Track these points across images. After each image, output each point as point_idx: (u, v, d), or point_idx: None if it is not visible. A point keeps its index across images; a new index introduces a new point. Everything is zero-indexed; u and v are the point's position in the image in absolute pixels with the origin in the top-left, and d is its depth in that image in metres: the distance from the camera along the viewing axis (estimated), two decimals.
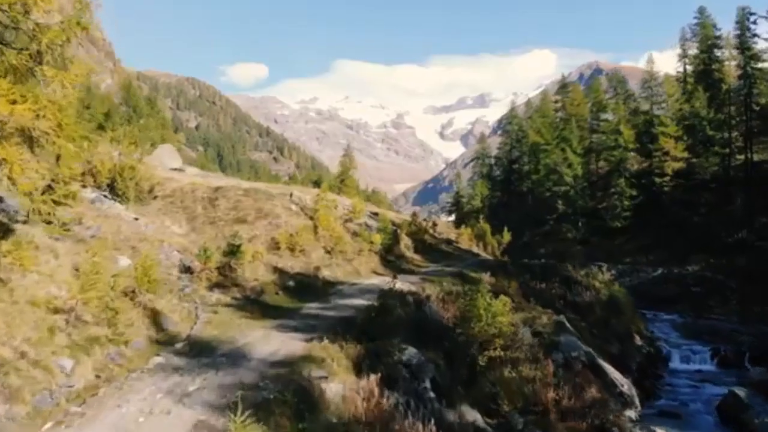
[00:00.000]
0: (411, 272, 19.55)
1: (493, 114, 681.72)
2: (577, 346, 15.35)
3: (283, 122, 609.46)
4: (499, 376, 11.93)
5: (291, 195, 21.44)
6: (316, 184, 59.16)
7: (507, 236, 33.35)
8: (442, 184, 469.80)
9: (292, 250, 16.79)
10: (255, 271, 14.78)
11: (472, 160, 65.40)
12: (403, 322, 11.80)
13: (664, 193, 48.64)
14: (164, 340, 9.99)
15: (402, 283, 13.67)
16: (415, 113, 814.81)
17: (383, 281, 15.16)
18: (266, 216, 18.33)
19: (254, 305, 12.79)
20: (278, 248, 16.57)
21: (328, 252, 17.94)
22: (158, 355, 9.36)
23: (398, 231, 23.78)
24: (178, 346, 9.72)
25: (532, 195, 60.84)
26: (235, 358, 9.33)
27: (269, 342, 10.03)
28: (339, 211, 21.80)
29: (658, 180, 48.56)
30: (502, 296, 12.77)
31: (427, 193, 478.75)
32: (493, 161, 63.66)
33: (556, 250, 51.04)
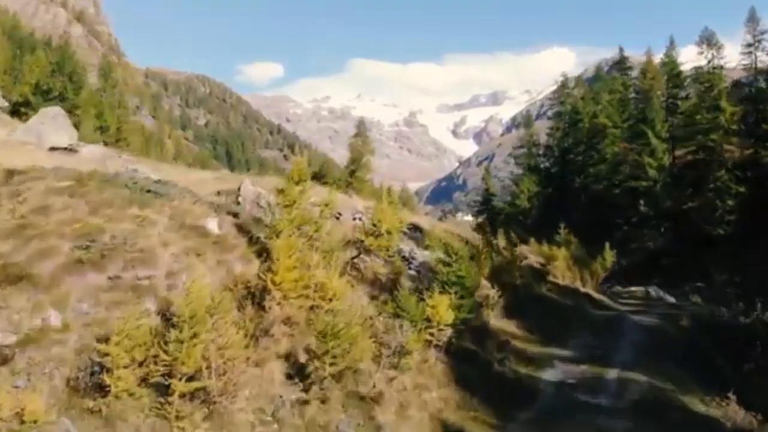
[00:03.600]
0: (529, 399, 8.02)
1: (507, 112, 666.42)
2: None
3: (295, 121, 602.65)
4: None
5: (239, 192, 9.94)
6: (317, 178, 46.00)
7: (609, 257, 21.24)
8: (456, 183, 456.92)
9: None
10: None
11: (516, 148, 53.41)
12: None
13: None
14: None
15: None
16: (428, 111, 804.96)
17: None
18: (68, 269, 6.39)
19: None
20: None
21: (299, 373, 5.97)
22: None
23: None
24: None
25: (585, 192, 48.75)
26: None
27: None
28: (343, 223, 10.40)
29: None
30: None
31: (441, 191, 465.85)
32: (541, 151, 51.47)
33: (635, 265, 39.16)
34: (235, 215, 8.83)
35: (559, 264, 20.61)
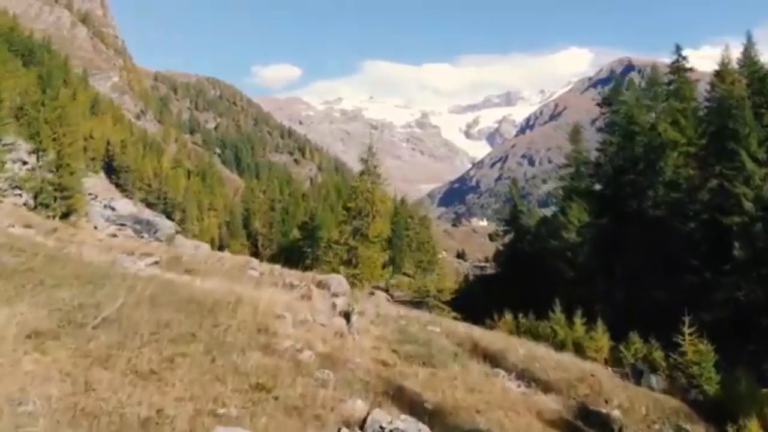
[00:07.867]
0: None
1: (520, 113, 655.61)
2: None
3: (307, 123, 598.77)
4: None
5: None
6: (304, 230, 30.55)
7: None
8: (468, 184, 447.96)
9: None
10: None
11: (562, 168, 44.84)
12: None
13: None
14: None
15: None
16: (441, 112, 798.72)
17: None
18: None
19: None
20: None
21: None
22: None
23: None
24: None
25: (642, 222, 39.90)
26: None
27: None
28: None
29: None
30: None
31: (453, 193, 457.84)
32: (590, 171, 42.64)
33: (720, 323, 30.38)
34: None
35: None
